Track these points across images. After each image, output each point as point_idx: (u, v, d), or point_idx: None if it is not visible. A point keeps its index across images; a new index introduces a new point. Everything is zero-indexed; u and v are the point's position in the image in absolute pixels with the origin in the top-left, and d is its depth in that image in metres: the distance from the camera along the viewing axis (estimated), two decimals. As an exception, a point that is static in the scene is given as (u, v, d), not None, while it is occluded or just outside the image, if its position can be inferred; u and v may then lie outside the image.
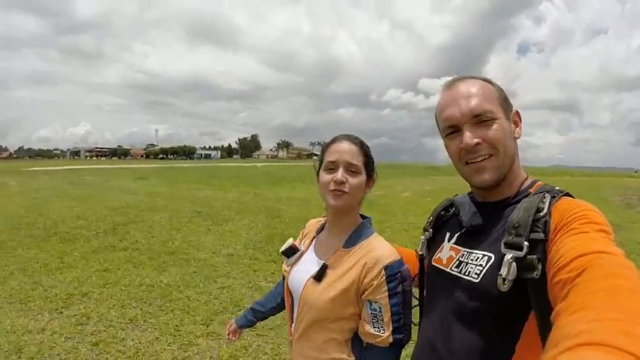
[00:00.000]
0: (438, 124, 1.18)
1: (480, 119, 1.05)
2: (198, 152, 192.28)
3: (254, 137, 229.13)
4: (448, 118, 1.09)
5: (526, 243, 0.90)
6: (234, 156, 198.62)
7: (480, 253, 1.05)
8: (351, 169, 1.35)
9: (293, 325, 1.47)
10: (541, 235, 0.91)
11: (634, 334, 0.44)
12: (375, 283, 1.28)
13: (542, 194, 0.99)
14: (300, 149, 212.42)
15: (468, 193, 1.24)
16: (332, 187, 1.34)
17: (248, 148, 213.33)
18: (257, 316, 1.85)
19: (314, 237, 1.56)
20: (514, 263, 0.90)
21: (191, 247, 7.38)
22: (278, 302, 1.79)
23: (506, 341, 0.97)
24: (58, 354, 3.68)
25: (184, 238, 8.07)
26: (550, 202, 0.96)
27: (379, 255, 1.31)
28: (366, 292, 1.29)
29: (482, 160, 1.06)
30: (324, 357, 1.36)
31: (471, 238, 1.11)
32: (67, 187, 17.37)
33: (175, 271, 6.04)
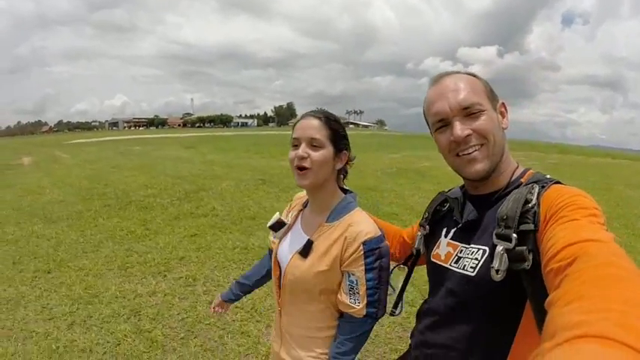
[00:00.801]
0: (426, 119, 1.21)
1: (469, 111, 1.08)
2: (234, 121, 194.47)
3: (290, 105, 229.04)
4: (437, 112, 1.12)
5: (514, 235, 0.93)
6: (270, 124, 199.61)
7: (475, 247, 1.08)
8: (313, 144, 1.37)
9: (280, 296, 1.54)
10: (531, 226, 0.93)
11: (630, 326, 0.44)
12: (354, 256, 1.34)
13: (531, 185, 1.02)
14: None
15: (461, 187, 1.28)
16: (295, 162, 1.38)
17: (284, 116, 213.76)
18: (243, 289, 1.91)
19: (300, 210, 1.61)
20: (505, 254, 0.94)
21: (268, 213, 7.50)
22: (262, 275, 1.87)
23: (505, 332, 1.00)
24: (178, 313, 3.89)
25: (258, 204, 8.30)
26: (539, 193, 0.98)
27: (359, 230, 1.35)
28: (345, 264, 1.36)
29: (473, 152, 1.09)
30: (320, 325, 1.46)
31: (466, 233, 1.14)
32: (118, 157, 18.03)
33: (263, 235, 6.22)
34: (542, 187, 1.00)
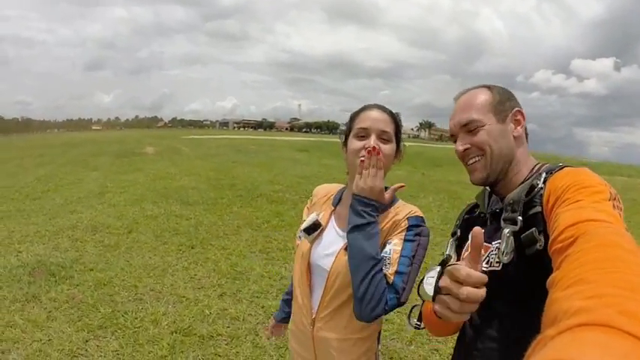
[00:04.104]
0: None
1: (468, 128, 1.22)
2: (341, 128, 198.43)
3: (396, 115, 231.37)
4: (450, 129, 1.30)
5: (520, 218, 1.01)
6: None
7: (497, 242, 1.14)
8: (383, 137, 1.40)
9: (315, 301, 1.51)
10: (538, 209, 1.00)
11: (633, 313, 0.44)
12: (398, 230, 1.38)
13: (539, 173, 1.11)
14: (442, 130, 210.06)
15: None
16: (363, 153, 1.37)
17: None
18: (290, 305, 1.82)
19: (332, 210, 1.58)
20: (512, 237, 1.01)
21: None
22: None
23: (531, 323, 0.96)
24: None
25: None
26: (545, 178, 1.05)
27: (406, 211, 1.41)
28: (388, 238, 1.39)
29: (473, 162, 1.22)
30: (359, 324, 1.40)
31: (492, 231, 1.19)
32: (236, 154, 19.27)
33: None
34: (550, 172, 1.07)
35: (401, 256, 1.33)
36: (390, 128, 1.43)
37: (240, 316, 3.88)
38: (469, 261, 0.90)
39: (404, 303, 1.33)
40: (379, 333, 1.55)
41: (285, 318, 1.90)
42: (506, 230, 1.03)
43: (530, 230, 0.99)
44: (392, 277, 1.30)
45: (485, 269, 1.15)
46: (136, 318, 3.75)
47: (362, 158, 1.36)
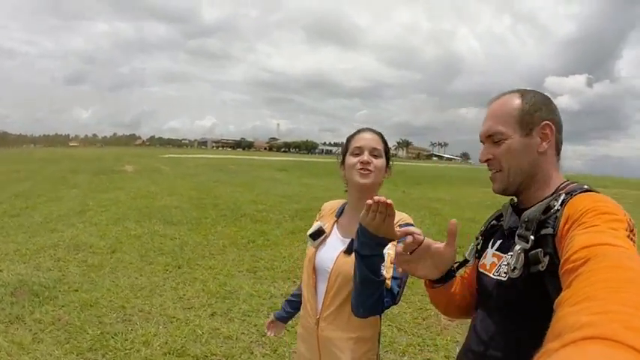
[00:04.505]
0: None
1: (492, 139, 1.23)
2: (319, 147, 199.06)
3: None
4: (479, 135, 1.30)
5: (532, 237, 1.04)
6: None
7: (510, 254, 1.16)
8: (374, 153, 1.62)
9: (319, 301, 1.65)
10: (550, 230, 1.02)
11: (637, 328, 0.45)
12: None
13: (558, 193, 1.11)
14: (420, 149, 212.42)
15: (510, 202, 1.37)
16: (358, 166, 1.59)
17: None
18: (292, 306, 2.03)
19: (335, 221, 1.74)
20: (522, 254, 1.04)
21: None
22: None
23: (535, 334, 1.01)
24: (317, 318, 4.17)
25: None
26: (564, 200, 1.06)
27: (397, 219, 1.41)
28: None
29: (493, 173, 1.25)
30: (361, 323, 1.53)
31: (509, 244, 1.20)
32: (217, 173, 19.22)
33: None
34: (570, 194, 1.07)
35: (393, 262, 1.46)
36: (380, 146, 1.65)
37: (234, 335, 3.84)
38: (446, 244, 1.14)
39: (396, 303, 1.47)
40: (379, 335, 1.67)
41: (284, 317, 2.08)
42: (517, 247, 1.07)
43: (537, 250, 1.02)
44: (389, 282, 1.44)
45: (493, 277, 1.21)
46: (127, 339, 3.68)
47: (368, 202, 1.31)
